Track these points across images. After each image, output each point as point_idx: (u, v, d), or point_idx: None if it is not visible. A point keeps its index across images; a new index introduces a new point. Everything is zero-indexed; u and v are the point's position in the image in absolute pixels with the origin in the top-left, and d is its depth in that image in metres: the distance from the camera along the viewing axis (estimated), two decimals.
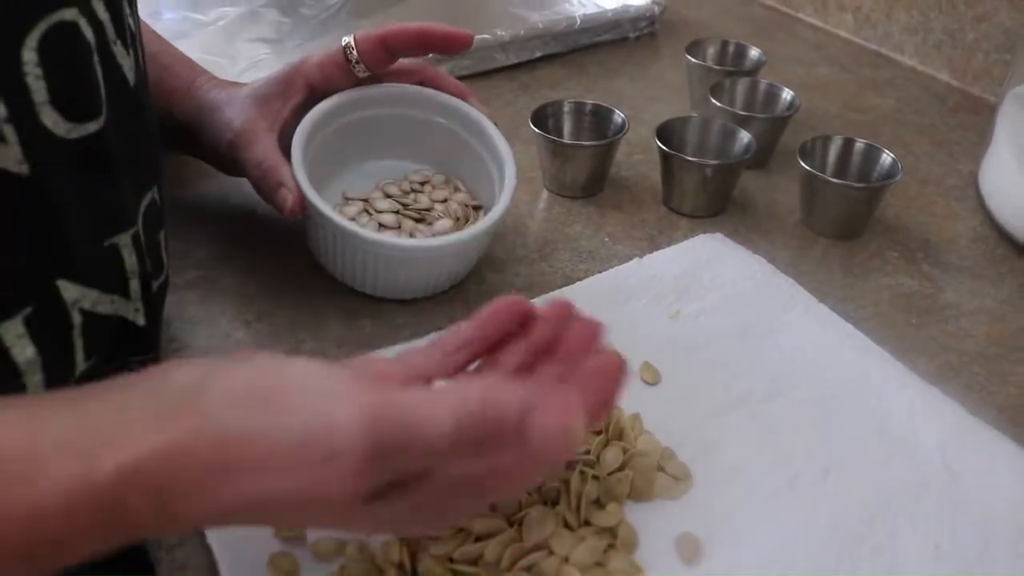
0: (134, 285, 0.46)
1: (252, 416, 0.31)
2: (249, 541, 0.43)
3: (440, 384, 0.39)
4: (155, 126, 0.51)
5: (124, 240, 0.44)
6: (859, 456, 0.49)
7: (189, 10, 0.90)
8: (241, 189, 0.65)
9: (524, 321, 0.41)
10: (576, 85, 0.87)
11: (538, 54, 0.91)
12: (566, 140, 0.71)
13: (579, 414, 0.31)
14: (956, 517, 0.46)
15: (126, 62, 0.44)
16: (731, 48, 0.84)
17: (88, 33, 0.40)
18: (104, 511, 0.30)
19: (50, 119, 0.38)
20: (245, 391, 0.32)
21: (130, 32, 0.45)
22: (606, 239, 0.66)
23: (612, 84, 0.88)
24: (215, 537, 0.43)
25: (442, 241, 0.56)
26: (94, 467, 0.30)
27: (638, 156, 0.76)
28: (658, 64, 0.94)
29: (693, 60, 0.81)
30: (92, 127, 0.40)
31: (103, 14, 0.41)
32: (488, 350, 0.41)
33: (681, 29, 1.00)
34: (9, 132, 0.36)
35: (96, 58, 0.41)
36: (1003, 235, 0.68)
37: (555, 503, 0.45)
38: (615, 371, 0.37)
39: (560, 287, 0.60)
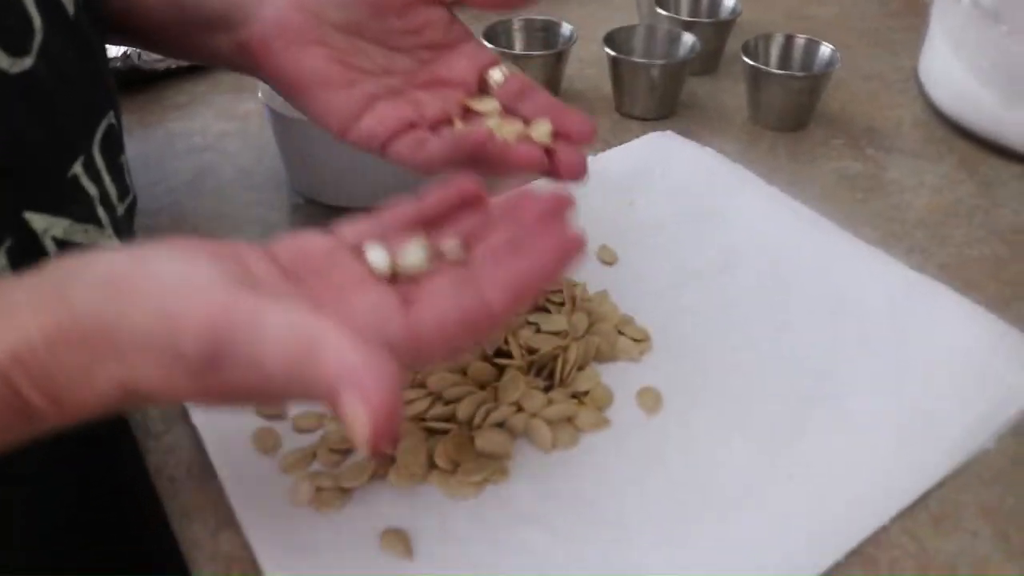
0: (101, 212, 0.47)
1: (107, 307, 0.31)
2: (233, 420, 0.45)
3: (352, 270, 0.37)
4: (103, 55, 0.51)
5: (78, 168, 0.45)
6: (811, 316, 0.52)
7: None
8: (210, 123, 0.67)
9: (474, 201, 0.41)
10: (526, 10, 0.89)
11: None
12: (517, 52, 0.73)
13: (383, 406, 0.29)
14: (904, 363, 0.49)
15: None
16: None
17: None
18: (2, 397, 0.31)
19: None
20: (105, 280, 0.32)
21: None
22: None
23: (562, 6, 0.90)
24: (200, 419, 0.45)
25: None
26: None
27: (590, 70, 0.78)
28: None
29: None
30: (27, 62, 0.41)
31: None
32: (427, 223, 0.40)
33: None
34: None
35: None
36: (942, 118, 0.71)
37: (539, 372, 0.47)
38: (572, 242, 0.36)
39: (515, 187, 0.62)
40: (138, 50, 0.74)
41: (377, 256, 0.37)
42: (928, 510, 0.42)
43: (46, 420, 0.32)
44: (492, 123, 0.46)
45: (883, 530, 0.41)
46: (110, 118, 0.49)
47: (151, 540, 0.55)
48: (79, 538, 0.51)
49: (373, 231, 0.39)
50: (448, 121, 0.47)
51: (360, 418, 0.29)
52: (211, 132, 0.71)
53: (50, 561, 0.49)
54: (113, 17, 0.52)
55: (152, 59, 0.74)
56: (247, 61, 0.48)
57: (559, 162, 0.45)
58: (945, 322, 0.51)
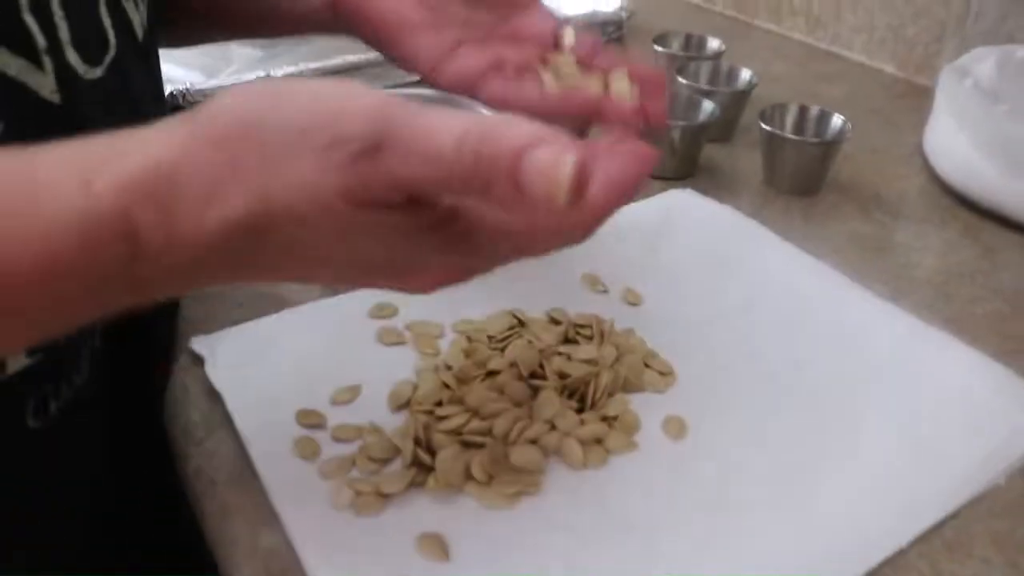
0: None
1: (257, 110, 0.30)
2: (274, 427, 0.47)
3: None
4: (160, 79, 0.55)
5: None
6: (826, 357, 0.54)
7: None
8: None
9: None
10: None
11: None
12: None
13: (571, 156, 0.29)
14: (916, 402, 0.51)
15: (136, 18, 0.48)
16: (694, 40, 0.92)
17: None
18: (109, 228, 0.29)
19: (73, 57, 0.42)
20: (256, 91, 0.31)
21: None
22: None
23: None
24: (243, 423, 0.47)
25: None
26: (92, 182, 0.29)
27: None
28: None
29: (660, 49, 0.88)
30: (98, 72, 0.44)
31: None
32: None
33: (647, 34, 1.06)
34: (47, 62, 0.40)
35: (104, 9, 0.44)
36: (946, 188, 0.74)
37: (571, 395, 0.49)
38: (645, 154, 0.34)
39: None
40: (184, 91, 0.77)
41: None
42: (943, 537, 0.44)
43: (151, 257, 0.30)
44: (574, 77, 0.48)
45: (900, 553, 0.43)
46: None
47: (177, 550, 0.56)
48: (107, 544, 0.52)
49: None
50: (530, 70, 0.49)
51: (566, 162, 0.28)
52: None
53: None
54: (192, 6, 0.55)
55: (196, 100, 0.78)
56: (338, 12, 0.51)
57: (648, 111, 0.48)
58: (953, 367, 0.53)
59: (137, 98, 0.48)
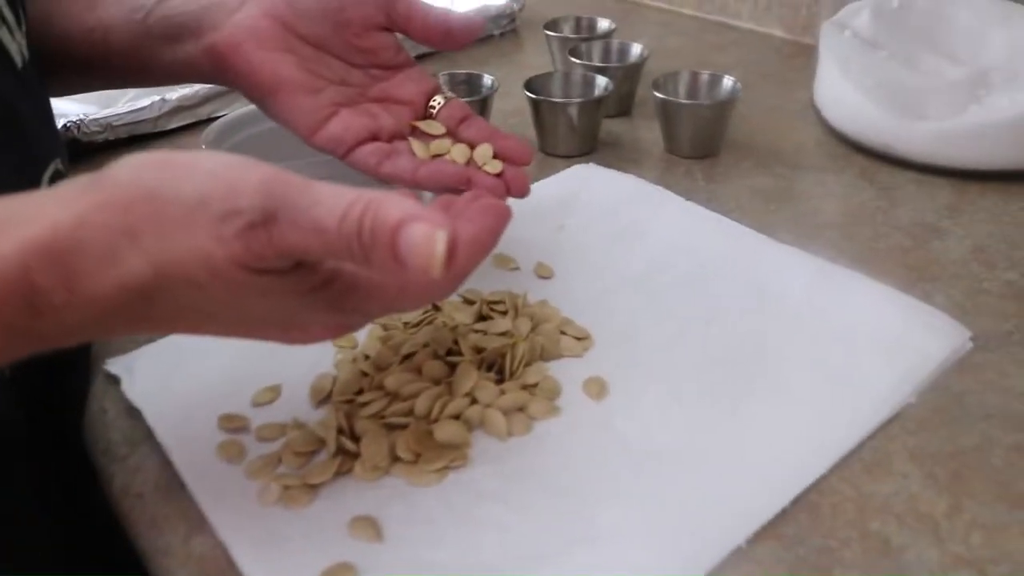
0: None
1: (157, 179, 0.32)
2: (197, 435, 0.47)
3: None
4: (49, 108, 0.54)
5: None
6: (737, 306, 0.55)
7: None
8: None
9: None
10: (448, 65, 0.94)
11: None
12: None
13: (443, 232, 0.32)
14: (827, 337, 0.52)
15: (12, 46, 0.48)
16: (584, 22, 0.93)
17: None
18: (10, 289, 0.30)
19: None
20: (154, 162, 0.33)
21: (17, 17, 0.49)
22: None
23: (483, 71, 0.95)
24: (164, 434, 0.47)
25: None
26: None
27: (512, 119, 0.83)
28: (522, 53, 1.02)
29: (551, 34, 0.89)
30: None
31: None
32: None
33: (539, 24, 1.08)
34: None
35: None
36: (840, 137, 0.77)
37: (489, 368, 0.50)
38: (502, 210, 0.39)
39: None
40: (78, 122, 0.76)
41: None
42: (862, 460, 0.45)
43: (53, 312, 0.32)
44: (443, 147, 0.53)
45: (823, 479, 0.44)
46: (57, 164, 0.52)
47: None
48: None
49: None
50: (401, 137, 0.52)
51: (439, 238, 0.31)
52: None
53: None
54: (72, 58, 0.55)
55: (92, 131, 0.77)
56: (216, 64, 0.52)
57: (508, 182, 0.52)
58: (861, 300, 0.55)
59: (22, 129, 0.48)
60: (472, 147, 0.53)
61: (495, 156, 0.53)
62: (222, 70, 0.52)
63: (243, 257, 0.32)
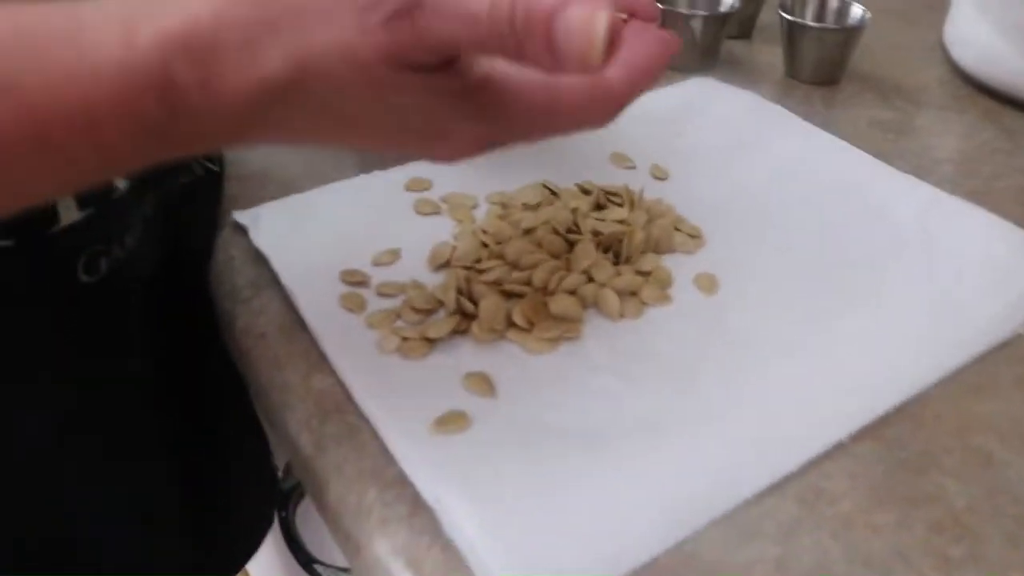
0: None
1: None
2: (321, 284, 0.49)
3: None
4: None
5: None
6: (849, 223, 0.55)
7: None
8: None
9: None
10: None
11: None
12: None
13: (604, 13, 0.29)
14: (937, 262, 0.52)
15: None
16: None
17: None
18: (147, 80, 0.29)
19: None
20: None
21: None
22: None
23: None
24: (290, 279, 0.49)
25: None
26: (135, 31, 0.29)
27: None
28: None
29: None
30: None
31: None
32: None
33: None
34: None
35: None
36: (966, 78, 0.75)
37: (606, 251, 0.51)
38: (669, 38, 0.34)
39: None
40: None
41: None
42: (966, 381, 0.46)
43: (189, 113, 0.30)
44: None
45: (925, 394, 0.44)
46: None
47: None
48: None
49: None
50: None
51: (598, 20, 0.29)
52: None
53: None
54: None
55: None
56: None
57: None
58: (974, 230, 0.54)
59: None
60: None
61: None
62: None
63: (388, 48, 0.30)
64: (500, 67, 0.33)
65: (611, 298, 0.47)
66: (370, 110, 0.33)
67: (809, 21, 0.74)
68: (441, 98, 0.33)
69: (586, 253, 0.49)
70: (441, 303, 0.47)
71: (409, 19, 0.29)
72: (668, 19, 0.73)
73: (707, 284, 0.50)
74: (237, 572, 0.67)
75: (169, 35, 0.29)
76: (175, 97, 0.30)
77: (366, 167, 0.59)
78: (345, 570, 0.87)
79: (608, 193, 0.55)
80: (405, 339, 0.45)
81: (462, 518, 0.37)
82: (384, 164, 0.59)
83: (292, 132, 0.34)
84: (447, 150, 0.36)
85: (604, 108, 0.33)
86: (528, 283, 0.48)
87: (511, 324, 0.46)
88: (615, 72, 0.32)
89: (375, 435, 0.41)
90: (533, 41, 0.29)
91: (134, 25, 0.29)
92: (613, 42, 0.30)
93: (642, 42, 0.33)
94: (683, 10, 0.74)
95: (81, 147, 0.30)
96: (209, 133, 0.32)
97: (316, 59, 0.30)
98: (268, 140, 0.35)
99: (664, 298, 0.49)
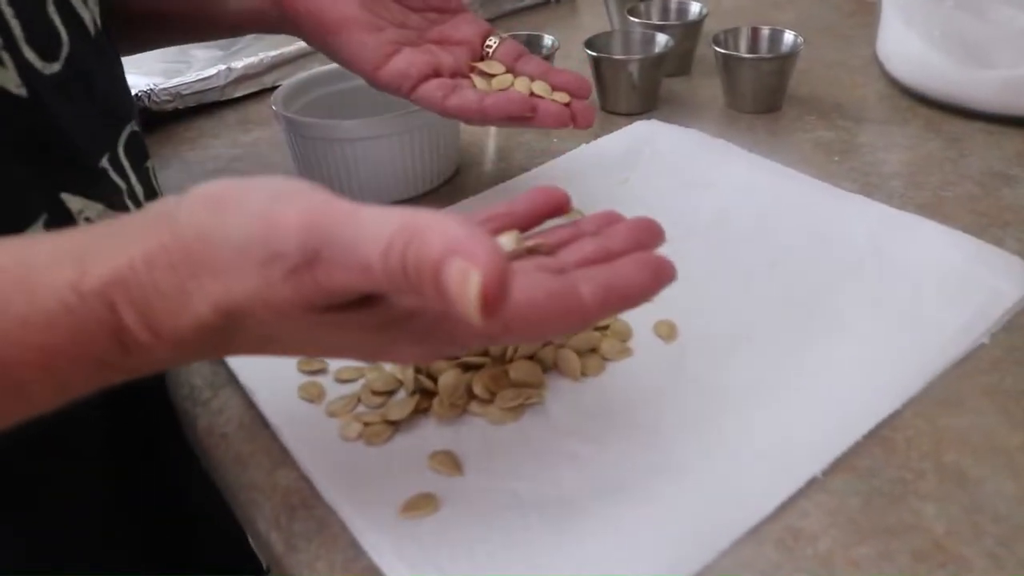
0: (130, 205, 0.51)
1: (210, 219, 0.31)
2: (278, 377, 0.48)
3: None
4: (123, 73, 0.56)
5: (105, 163, 0.50)
6: (801, 252, 0.55)
7: None
8: (220, 151, 0.70)
9: (559, 208, 0.42)
10: (511, 25, 0.95)
11: None
12: None
13: (476, 272, 0.27)
14: (895, 280, 0.52)
15: (85, 14, 0.49)
16: None
17: None
18: (99, 325, 0.31)
19: (30, 54, 0.44)
20: (208, 198, 0.32)
21: None
22: (555, 140, 0.73)
23: (541, 26, 0.95)
24: (247, 377, 0.48)
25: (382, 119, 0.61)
26: (85, 273, 0.30)
27: None
28: (579, 16, 1.03)
29: None
30: (56, 67, 0.45)
31: None
32: (517, 226, 0.40)
33: None
34: (7, 58, 0.42)
35: (52, 7, 0.46)
36: (904, 90, 0.76)
37: None
38: (666, 267, 0.36)
39: (518, 175, 0.67)
40: (148, 92, 0.78)
41: None
42: (935, 397, 0.45)
43: (141, 350, 0.32)
44: (505, 82, 0.54)
45: (896, 415, 0.44)
46: (133, 126, 0.53)
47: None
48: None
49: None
50: (462, 75, 0.53)
51: (471, 279, 0.27)
52: (223, 158, 0.75)
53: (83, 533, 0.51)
54: (138, 14, 0.57)
55: (162, 100, 0.79)
56: (281, 10, 0.54)
57: (575, 112, 0.53)
58: (928, 244, 0.54)
59: (99, 91, 0.50)
60: (530, 81, 0.55)
61: (554, 90, 0.55)
62: (288, 12, 0.54)
63: (294, 299, 0.31)
64: None
65: (571, 358, 0.47)
66: (306, 341, 0.35)
67: (743, 53, 0.75)
68: (373, 329, 0.33)
69: None
70: (400, 383, 0.47)
71: (308, 272, 0.30)
72: (605, 66, 0.74)
73: (666, 331, 0.50)
74: None
75: (114, 278, 0.31)
76: (126, 336, 0.31)
77: None
78: None
79: None
80: (367, 424, 0.45)
81: None
82: None
83: (240, 353, 0.35)
84: (397, 359, 0.38)
85: (567, 323, 0.33)
86: (486, 353, 0.47)
87: (472, 396, 0.46)
88: (589, 289, 0.32)
89: (344, 527, 0.41)
90: (425, 288, 0.28)
91: (83, 268, 0.31)
92: (491, 300, 0.27)
93: (633, 268, 0.34)
94: (619, 56, 0.75)
95: (36, 383, 0.31)
96: (159, 361, 0.33)
97: (240, 306, 0.31)
98: (224, 356, 0.35)
99: (625, 351, 0.48)
